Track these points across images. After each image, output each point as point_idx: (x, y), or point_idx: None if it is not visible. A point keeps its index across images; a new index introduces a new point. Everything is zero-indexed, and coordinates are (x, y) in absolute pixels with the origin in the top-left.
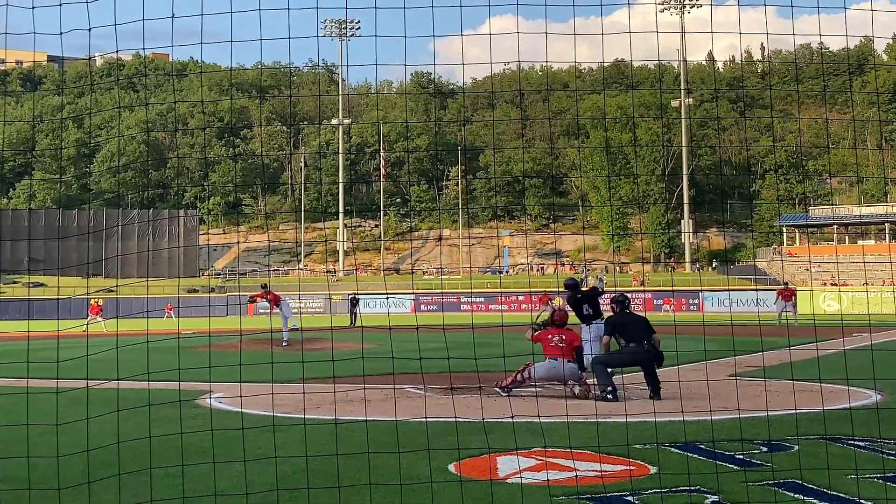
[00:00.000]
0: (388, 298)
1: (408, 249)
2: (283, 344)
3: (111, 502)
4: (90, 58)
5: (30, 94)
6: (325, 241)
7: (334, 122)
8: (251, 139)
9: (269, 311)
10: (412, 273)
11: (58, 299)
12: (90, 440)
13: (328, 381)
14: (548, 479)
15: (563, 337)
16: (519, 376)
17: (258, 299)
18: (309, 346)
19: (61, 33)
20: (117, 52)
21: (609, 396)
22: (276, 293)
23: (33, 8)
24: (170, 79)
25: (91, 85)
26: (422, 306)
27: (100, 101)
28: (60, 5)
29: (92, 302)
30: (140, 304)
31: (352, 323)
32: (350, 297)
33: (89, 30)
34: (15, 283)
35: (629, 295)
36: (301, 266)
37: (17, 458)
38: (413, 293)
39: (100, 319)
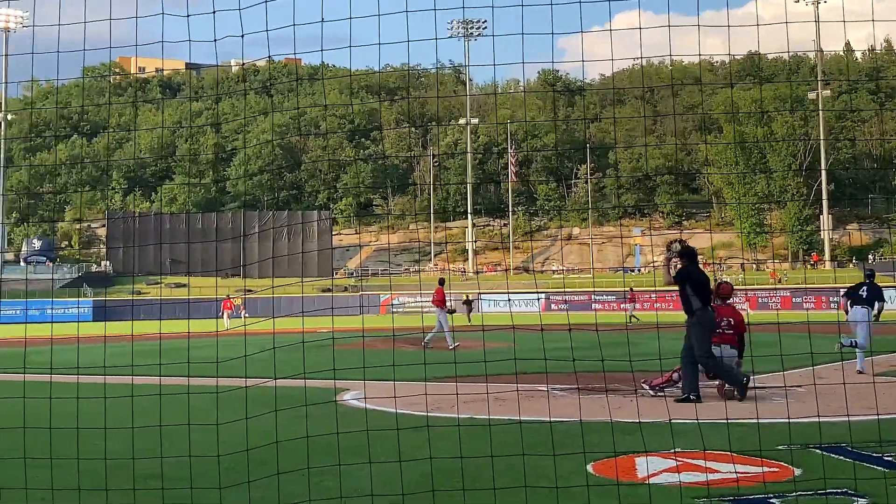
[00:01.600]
0: (509, 299)
1: (536, 248)
2: (424, 344)
3: (269, 501)
4: (244, 64)
5: (169, 101)
6: (439, 245)
7: (462, 121)
8: (380, 140)
9: (436, 309)
10: (532, 272)
11: (198, 300)
12: (243, 439)
13: (465, 379)
14: (680, 482)
15: (732, 321)
16: (675, 375)
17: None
18: (437, 345)
19: (215, 40)
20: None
21: (692, 397)
22: (444, 293)
23: (187, 16)
24: (302, 83)
25: (228, 91)
26: (552, 305)
27: (235, 105)
28: (188, 16)
29: (232, 299)
30: (277, 303)
31: (469, 319)
32: (464, 296)
33: (218, 38)
34: (158, 283)
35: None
36: (431, 265)
37: (178, 456)
38: (543, 292)
39: (226, 318)
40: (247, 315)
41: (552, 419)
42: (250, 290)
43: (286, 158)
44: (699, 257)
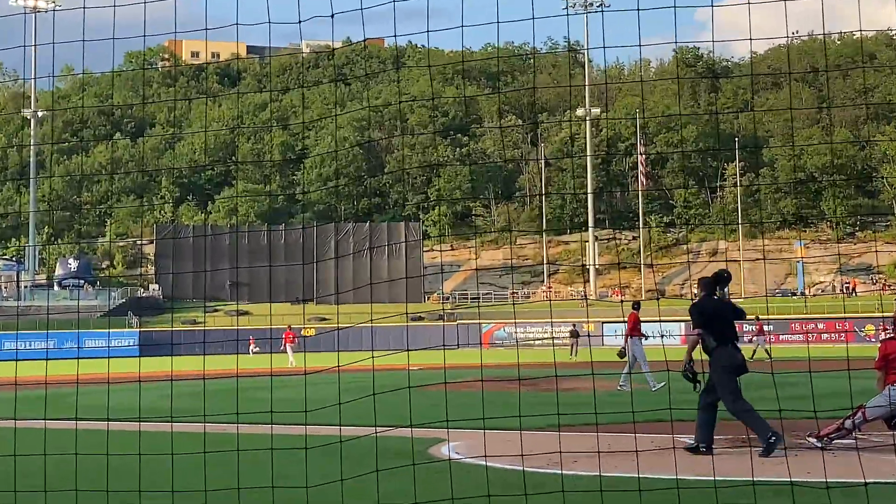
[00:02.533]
0: (662, 334)
1: (673, 267)
2: (620, 386)
3: None
4: (326, 48)
5: (227, 93)
6: (532, 262)
7: (580, 112)
8: (481, 136)
9: (624, 342)
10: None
11: (262, 331)
12: (310, 494)
13: (568, 428)
14: None
15: None
16: (848, 422)
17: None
18: (544, 386)
19: (299, 21)
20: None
21: (773, 440)
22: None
23: None
24: (385, 69)
25: (298, 79)
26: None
27: (307, 97)
28: None
29: (293, 330)
30: (355, 335)
31: (572, 354)
32: (572, 326)
33: (301, 19)
34: (216, 311)
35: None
36: (545, 287)
37: None
38: (682, 320)
39: (290, 353)
40: (291, 348)
41: (717, 477)
42: (324, 318)
43: (367, 159)
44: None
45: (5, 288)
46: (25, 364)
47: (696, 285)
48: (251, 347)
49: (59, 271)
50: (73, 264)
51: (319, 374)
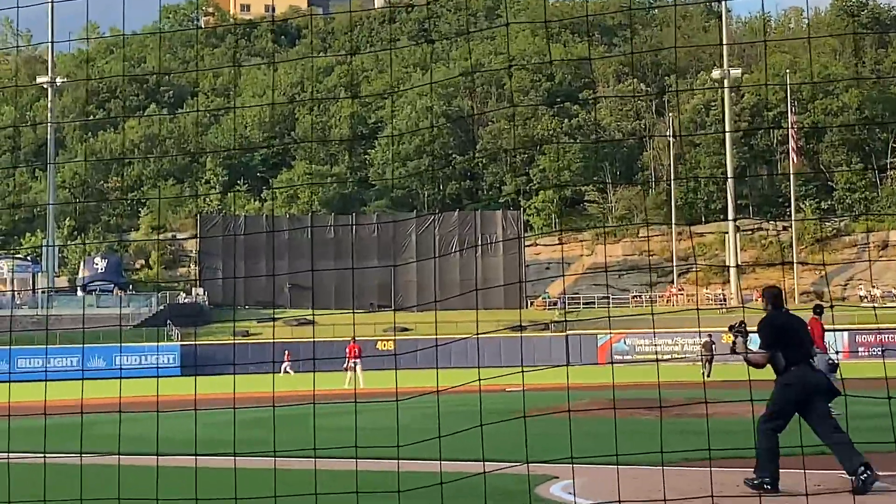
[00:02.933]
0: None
1: (834, 264)
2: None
3: None
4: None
5: (285, 54)
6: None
7: (716, 74)
8: (596, 105)
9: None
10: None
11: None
12: None
13: (698, 463)
14: None
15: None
16: None
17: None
18: (675, 412)
19: None
20: None
21: (767, 486)
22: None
23: None
24: (475, 23)
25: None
26: (859, 349)
27: (380, 59)
28: None
29: (357, 343)
30: (437, 349)
31: (704, 371)
32: (707, 338)
33: None
34: (275, 319)
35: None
36: (675, 289)
37: None
38: (845, 329)
39: (359, 370)
40: (354, 366)
41: None
42: (406, 328)
43: (455, 134)
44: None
45: (20, 294)
46: (41, 386)
47: (761, 296)
48: (284, 365)
49: (83, 273)
50: (100, 264)
51: (385, 398)
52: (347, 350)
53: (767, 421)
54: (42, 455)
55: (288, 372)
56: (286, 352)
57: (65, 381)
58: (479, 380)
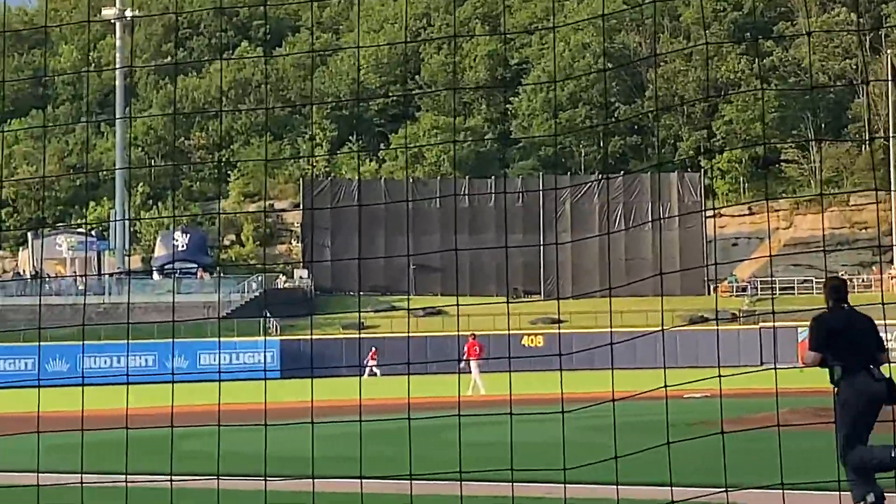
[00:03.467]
0: None
1: None
2: None
3: None
4: None
5: None
6: None
7: None
8: (794, 41)
9: None
10: None
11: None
12: None
13: None
14: None
15: None
16: None
17: None
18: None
19: None
20: None
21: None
22: None
23: None
24: None
25: None
26: None
27: None
28: None
29: (478, 338)
30: (591, 343)
31: None
32: None
33: None
34: (393, 309)
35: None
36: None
37: None
38: None
39: (476, 373)
40: (477, 366)
41: None
42: (557, 320)
43: (617, 77)
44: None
45: (82, 278)
46: (104, 391)
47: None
48: (369, 364)
49: (159, 252)
50: (180, 241)
51: (527, 406)
52: (466, 348)
53: (847, 455)
54: (123, 476)
55: (374, 374)
56: (371, 349)
57: (138, 385)
58: (666, 386)
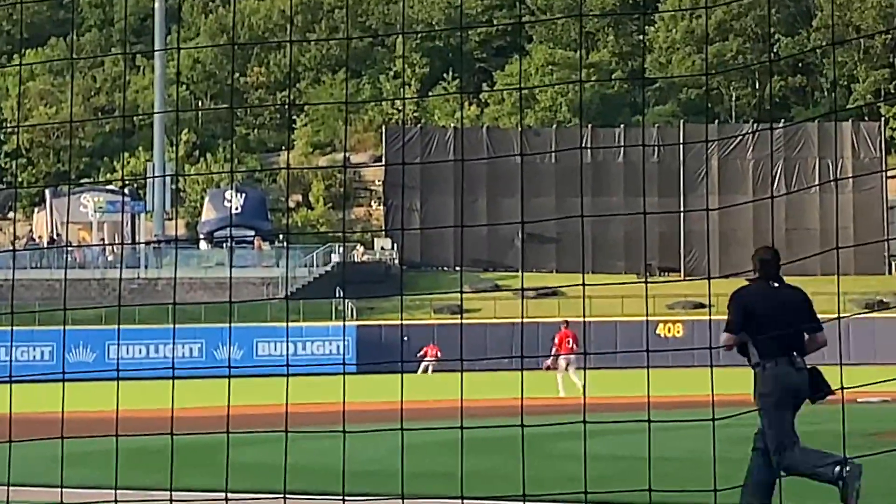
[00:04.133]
0: None
1: None
2: None
3: None
4: None
5: None
6: None
7: None
8: None
9: None
10: None
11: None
12: None
13: None
14: None
15: None
16: None
17: None
18: None
19: None
20: None
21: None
22: None
23: None
24: None
25: None
26: None
27: None
28: None
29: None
30: None
31: None
32: None
33: None
34: (498, 289)
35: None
36: None
37: None
38: None
39: (567, 369)
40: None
41: None
42: (701, 304)
43: (780, 3)
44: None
45: (111, 249)
46: (140, 387)
47: None
48: (425, 360)
49: (208, 215)
50: (234, 201)
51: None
52: (557, 340)
53: (778, 452)
54: (167, 493)
55: (427, 371)
56: (429, 345)
57: (183, 380)
58: (842, 388)
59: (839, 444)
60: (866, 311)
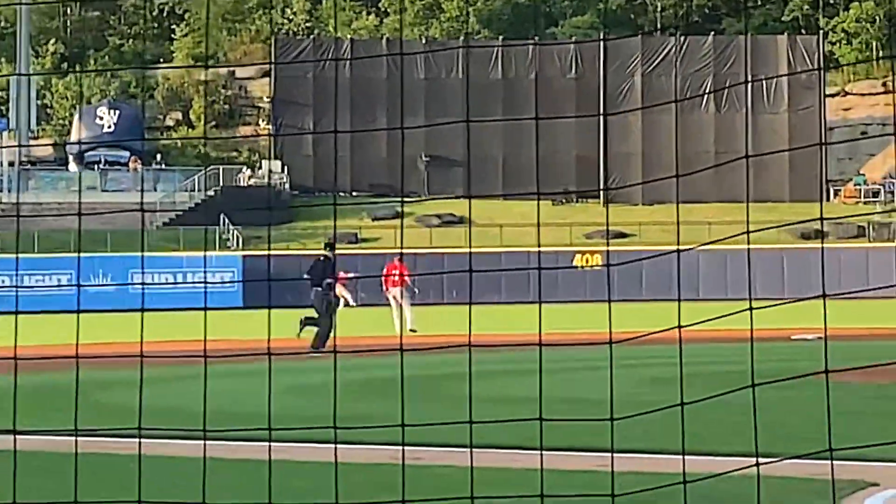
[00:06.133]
0: None
1: None
2: None
3: None
4: None
5: None
6: None
7: None
8: None
9: None
10: None
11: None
12: None
13: None
14: None
15: None
16: None
17: None
18: None
19: None
20: None
21: None
22: None
23: None
24: None
25: None
26: None
27: None
28: None
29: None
30: (665, 264)
31: None
32: None
33: None
34: (398, 216)
35: None
36: None
37: None
38: None
39: (404, 304)
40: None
41: None
42: (622, 234)
43: None
44: None
45: None
46: (6, 321)
47: None
48: (342, 292)
49: (78, 134)
50: (106, 119)
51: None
52: (385, 271)
53: None
54: (11, 434)
55: (350, 304)
56: (341, 272)
57: (47, 314)
58: (751, 309)
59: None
60: (801, 240)
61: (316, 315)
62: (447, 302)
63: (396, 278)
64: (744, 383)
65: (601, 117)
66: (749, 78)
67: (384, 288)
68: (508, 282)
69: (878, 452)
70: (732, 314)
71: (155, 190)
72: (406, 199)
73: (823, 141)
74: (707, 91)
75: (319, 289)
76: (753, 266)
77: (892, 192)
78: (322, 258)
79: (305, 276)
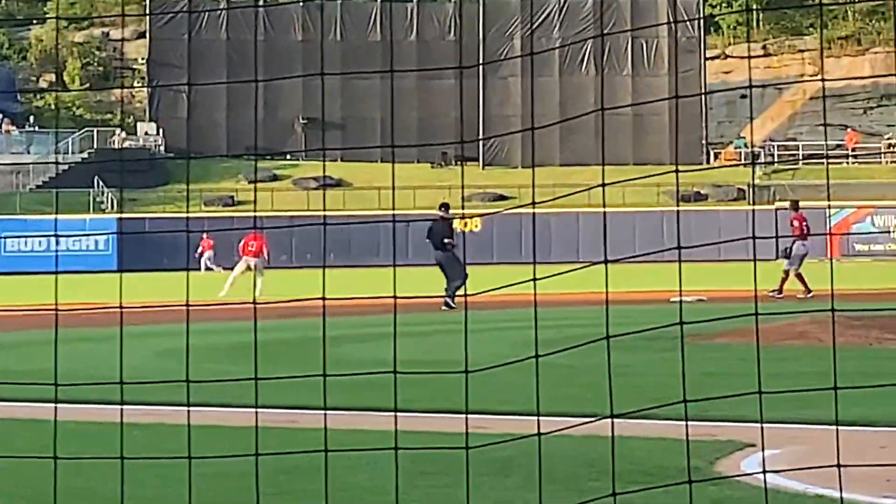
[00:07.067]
0: None
1: None
2: None
3: None
4: None
5: None
6: None
7: None
8: None
9: None
10: None
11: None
12: None
13: None
14: None
15: None
16: None
17: None
18: None
19: None
20: None
21: None
22: None
23: None
24: None
25: None
26: None
27: None
28: None
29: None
30: (543, 231)
31: None
32: None
33: None
34: (276, 179)
35: None
36: None
37: None
38: None
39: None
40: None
41: None
42: (502, 196)
43: None
44: None
45: None
46: None
47: None
48: (204, 257)
49: None
50: None
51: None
52: (242, 245)
53: None
54: None
55: (210, 268)
56: (202, 236)
57: None
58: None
59: (650, 343)
60: (681, 202)
61: (446, 277)
62: (307, 265)
63: (253, 248)
64: (611, 345)
65: (480, 80)
66: (630, 41)
67: (239, 255)
68: (385, 245)
69: (756, 414)
70: (570, 271)
71: (28, 152)
72: (283, 160)
73: (703, 104)
74: (587, 52)
75: (441, 251)
76: (636, 228)
77: (773, 155)
78: (440, 218)
79: (426, 239)
